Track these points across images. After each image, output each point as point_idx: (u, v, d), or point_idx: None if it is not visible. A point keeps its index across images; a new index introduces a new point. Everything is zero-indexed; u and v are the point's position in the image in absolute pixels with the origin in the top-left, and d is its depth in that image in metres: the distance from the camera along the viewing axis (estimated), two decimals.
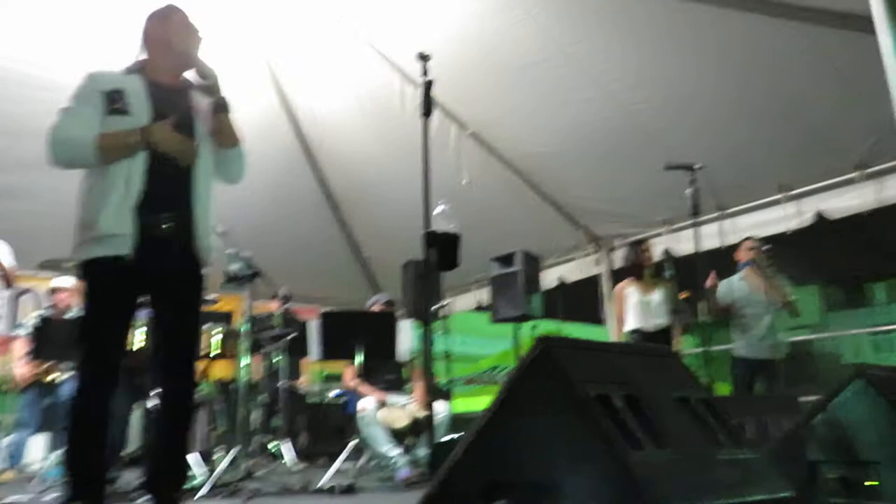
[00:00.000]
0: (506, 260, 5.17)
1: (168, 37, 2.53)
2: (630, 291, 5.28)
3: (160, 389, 2.57)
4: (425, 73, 2.42)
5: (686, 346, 5.73)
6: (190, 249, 2.42)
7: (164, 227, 2.32)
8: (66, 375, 5.38)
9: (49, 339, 4.68)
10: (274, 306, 6.55)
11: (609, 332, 6.45)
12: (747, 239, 5.20)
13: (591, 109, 5.34)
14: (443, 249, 2.37)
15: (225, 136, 2.50)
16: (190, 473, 3.48)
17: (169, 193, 2.37)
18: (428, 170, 2.42)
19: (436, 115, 5.85)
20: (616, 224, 6.44)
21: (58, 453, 5.13)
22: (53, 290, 5.53)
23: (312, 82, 6.38)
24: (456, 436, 5.15)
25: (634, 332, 5.19)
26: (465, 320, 9.82)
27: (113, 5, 5.19)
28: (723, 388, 6.11)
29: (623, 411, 1.49)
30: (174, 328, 2.46)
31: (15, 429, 5.49)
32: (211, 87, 2.47)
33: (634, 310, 5.21)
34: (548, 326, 8.57)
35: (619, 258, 6.45)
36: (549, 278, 7.01)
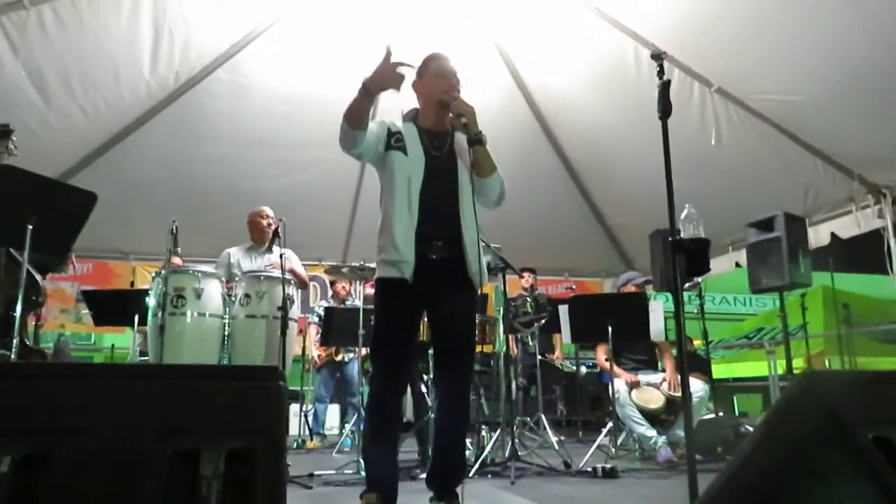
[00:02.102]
0: (765, 225, 4.72)
1: (427, 89, 2.80)
2: None
3: (438, 389, 2.88)
4: (661, 72, 2.31)
5: None
6: (463, 272, 2.67)
7: (434, 254, 2.62)
8: (350, 355, 6.22)
9: (333, 327, 5.37)
10: (523, 281, 6.84)
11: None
12: None
13: (861, 46, 4.65)
14: (691, 256, 2.29)
15: (482, 167, 2.71)
16: None
17: (440, 225, 2.65)
18: (670, 169, 2.34)
19: (675, 76, 5.56)
20: None
21: (349, 425, 5.95)
22: (332, 283, 6.43)
23: (542, 58, 6.37)
24: (714, 415, 4.98)
25: None
26: (723, 278, 9.22)
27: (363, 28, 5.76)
28: None
29: None
30: (451, 333, 2.73)
31: (314, 401, 6.52)
32: (468, 125, 2.63)
33: None
34: (821, 280, 7.78)
35: None
36: (821, 235, 6.35)
